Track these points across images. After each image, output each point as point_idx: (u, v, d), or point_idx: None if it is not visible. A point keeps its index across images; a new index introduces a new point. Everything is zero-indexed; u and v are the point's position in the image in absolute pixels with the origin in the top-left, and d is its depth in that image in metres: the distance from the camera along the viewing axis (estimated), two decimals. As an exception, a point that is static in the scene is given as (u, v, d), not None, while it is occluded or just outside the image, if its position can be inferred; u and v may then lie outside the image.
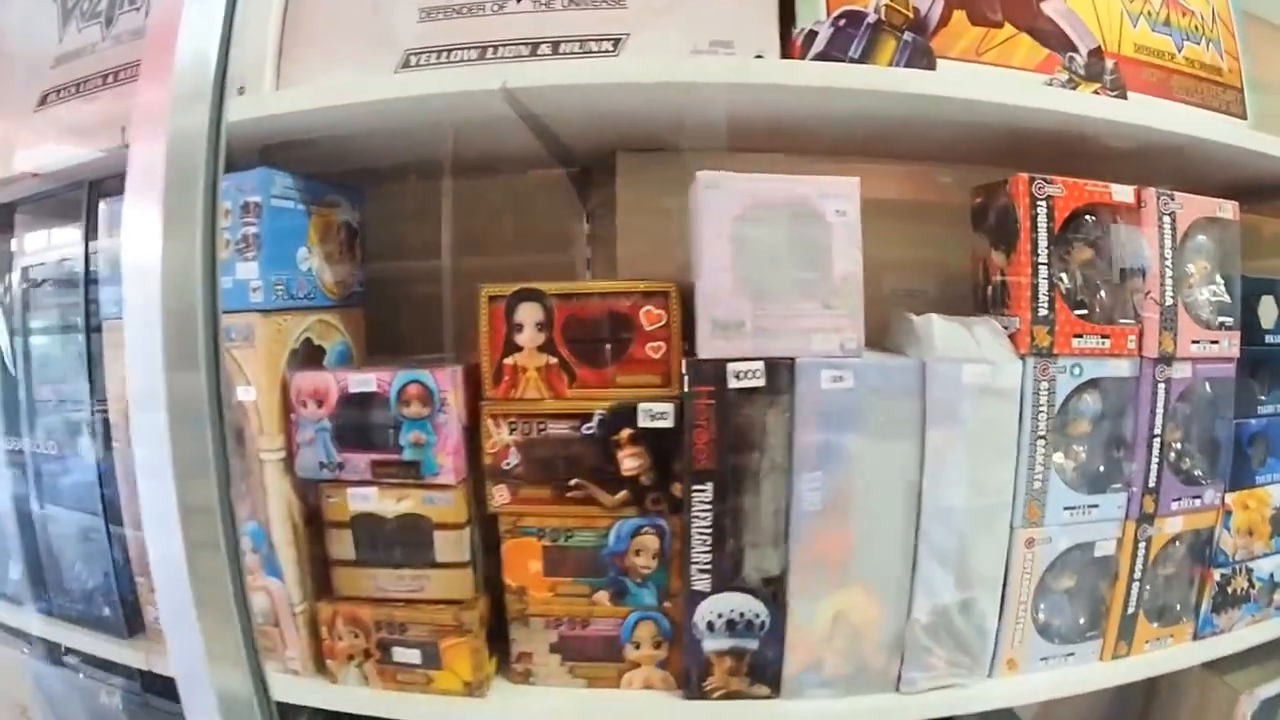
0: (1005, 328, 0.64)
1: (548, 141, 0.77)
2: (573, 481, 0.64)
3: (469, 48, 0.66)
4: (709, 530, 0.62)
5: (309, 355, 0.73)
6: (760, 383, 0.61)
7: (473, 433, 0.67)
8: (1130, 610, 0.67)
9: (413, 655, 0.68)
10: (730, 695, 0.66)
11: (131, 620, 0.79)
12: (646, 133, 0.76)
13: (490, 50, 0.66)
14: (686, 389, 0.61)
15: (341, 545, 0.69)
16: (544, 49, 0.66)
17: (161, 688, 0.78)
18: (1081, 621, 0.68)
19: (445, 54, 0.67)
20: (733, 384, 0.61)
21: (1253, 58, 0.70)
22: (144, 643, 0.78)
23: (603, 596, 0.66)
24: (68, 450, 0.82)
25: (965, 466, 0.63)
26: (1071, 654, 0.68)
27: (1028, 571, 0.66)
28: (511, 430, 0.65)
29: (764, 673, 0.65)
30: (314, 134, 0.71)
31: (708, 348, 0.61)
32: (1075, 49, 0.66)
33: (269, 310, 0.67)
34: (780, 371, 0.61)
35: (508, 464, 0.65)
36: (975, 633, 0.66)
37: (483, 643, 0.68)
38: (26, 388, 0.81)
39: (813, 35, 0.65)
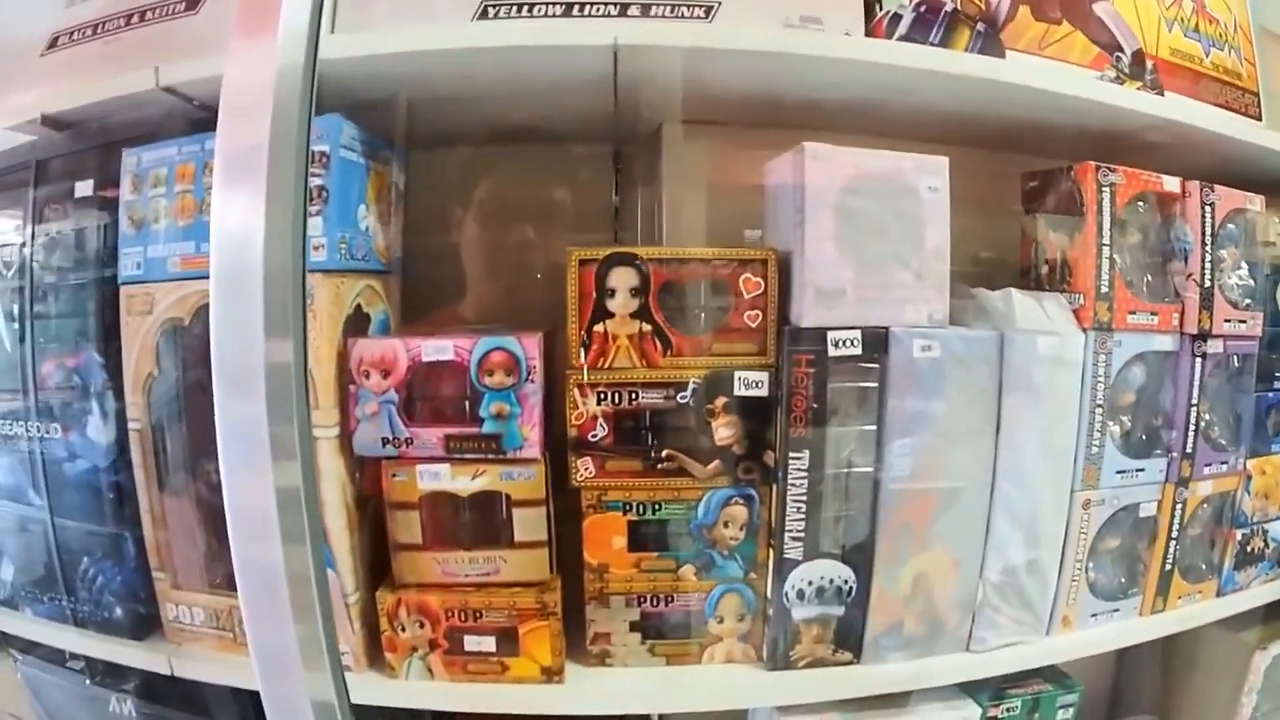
0: (1069, 304, 0.67)
1: (596, 111, 0.73)
2: (664, 453, 0.61)
3: (555, 3, 0.62)
4: (804, 498, 0.61)
5: (357, 324, 0.67)
6: (857, 351, 0.61)
7: (549, 404, 0.63)
8: (1167, 568, 0.72)
9: (486, 643, 0.63)
10: (814, 664, 0.65)
11: (145, 621, 0.69)
12: (708, 104, 0.73)
13: (578, 8, 0.62)
14: (786, 357, 0.60)
15: (407, 528, 0.62)
16: (634, 10, 0.63)
17: (177, 693, 0.69)
18: (1123, 580, 0.72)
19: (527, 8, 0.63)
20: (832, 352, 0.60)
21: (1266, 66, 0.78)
22: (161, 645, 0.68)
23: (688, 570, 0.64)
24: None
25: (1036, 432, 0.65)
26: (1116, 610, 0.71)
27: (1084, 532, 0.69)
28: (600, 400, 0.61)
29: (847, 638, 0.65)
30: (375, 84, 0.64)
31: (810, 315, 0.59)
32: (1122, 49, 0.70)
33: (331, 271, 0.60)
34: (876, 340, 0.61)
35: (594, 435, 0.61)
36: (1039, 591, 0.68)
37: (561, 625, 0.64)
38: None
39: (896, 19, 0.65)
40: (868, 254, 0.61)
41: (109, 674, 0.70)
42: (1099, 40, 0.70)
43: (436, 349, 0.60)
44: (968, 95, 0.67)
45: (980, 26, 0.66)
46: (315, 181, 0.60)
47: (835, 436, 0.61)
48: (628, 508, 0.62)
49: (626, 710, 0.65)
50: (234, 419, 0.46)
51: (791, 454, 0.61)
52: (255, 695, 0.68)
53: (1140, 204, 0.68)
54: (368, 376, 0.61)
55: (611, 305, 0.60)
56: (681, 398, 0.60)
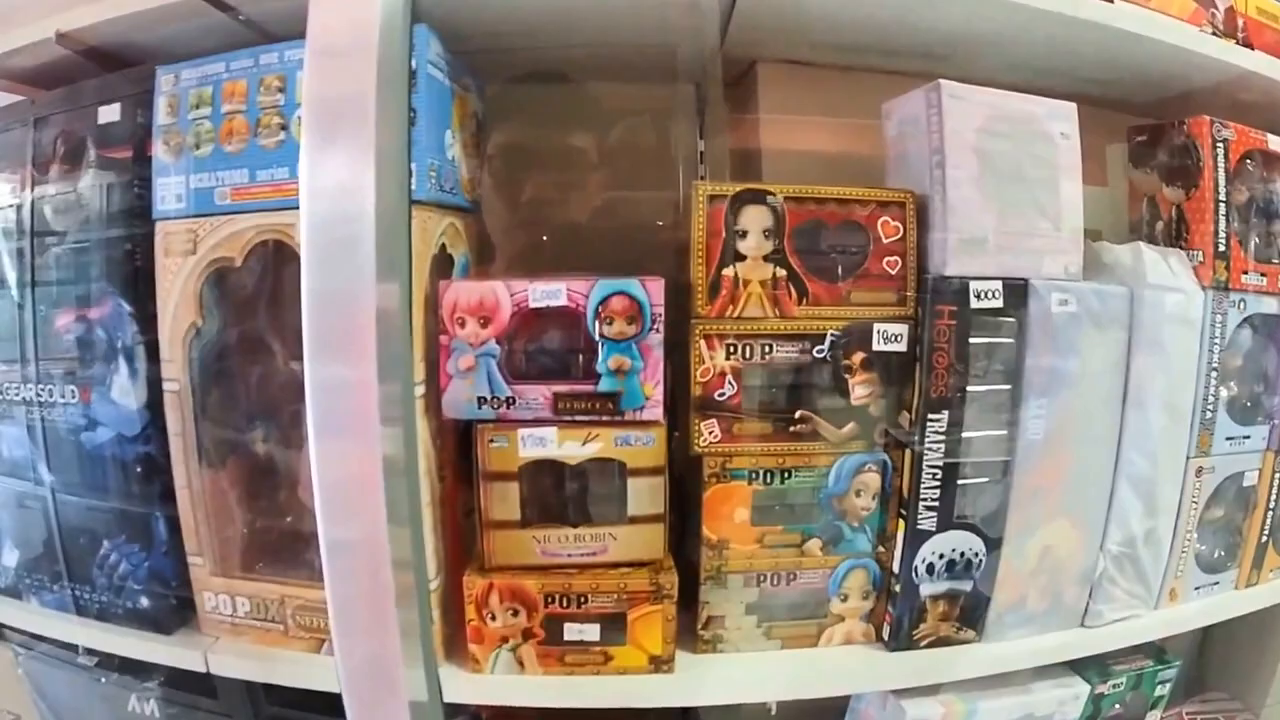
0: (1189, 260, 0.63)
1: (678, 47, 0.66)
2: (797, 414, 0.54)
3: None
4: (939, 464, 0.55)
5: (442, 265, 0.57)
6: (998, 304, 0.54)
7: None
8: (1263, 539, 0.69)
9: (590, 631, 0.54)
10: (937, 642, 0.59)
11: (175, 612, 0.57)
12: (805, 40, 0.66)
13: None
14: (928, 308, 0.54)
15: (504, 502, 0.53)
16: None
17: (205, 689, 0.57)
18: (1222, 552, 0.69)
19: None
20: (974, 304, 0.54)
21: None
22: (195, 639, 0.57)
23: (814, 545, 0.56)
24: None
25: (1161, 395, 0.60)
26: (1216, 583, 0.68)
27: (1195, 500, 0.64)
28: (729, 354, 0.53)
29: (972, 615, 0.58)
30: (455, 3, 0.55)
31: (953, 263, 0.53)
32: (1215, 5, 0.68)
33: (420, 202, 0.50)
34: (1016, 293, 0.55)
35: (721, 394, 0.53)
36: (1153, 563, 0.63)
37: (675, 609, 0.55)
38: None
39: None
40: (1007, 200, 0.55)
41: (125, 670, 0.58)
42: (1197, -4, 0.68)
43: (546, 293, 0.51)
44: (1075, 43, 0.63)
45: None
46: (405, 99, 0.50)
47: (974, 396, 0.55)
48: (754, 476, 0.54)
49: (742, 700, 0.57)
50: (331, 380, 0.37)
51: (930, 415, 0.54)
52: (297, 692, 0.58)
53: (1249, 162, 0.65)
54: (463, 325, 0.52)
55: (743, 247, 0.52)
56: (818, 352, 0.53)
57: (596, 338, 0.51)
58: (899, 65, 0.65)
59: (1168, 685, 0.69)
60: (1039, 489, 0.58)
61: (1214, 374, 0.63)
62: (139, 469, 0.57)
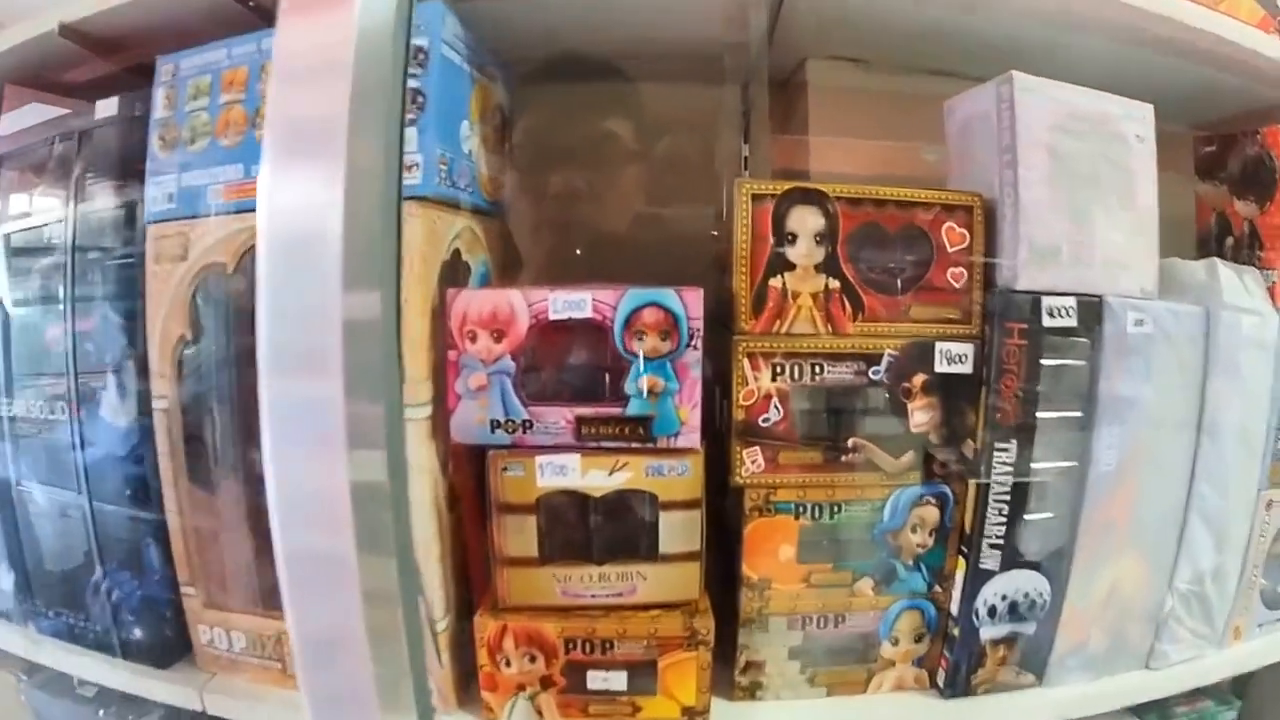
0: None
1: (720, 42, 0.60)
2: (850, 442, 0.49)
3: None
4: (1006, 497, 0.50)
5: (454, 274, 0.51)
6: (1072, 322, 0.49)
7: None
8: (1330, 571, 0.64)
9: (616, 679, 0.48)
10: (996, 688, 0.53)
11: (172, 644, 0.52)
12: (858, 36, 0.61)
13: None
14: (996, 326, 0.48)
15: (520, 537, 0.47)
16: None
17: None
18: (1284, 586, 0.64)
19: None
20: (1046, 322, 0.49)
21: None
22: (191, 674, 0.51)
23: (865, 585, 0.51)
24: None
25: (1236, 422, 0.55)
26: (1279, 619, 0.63)
27: (1263, 535, 0.59)
28: (776, 374, 0.47)
29: (1033, 659, 0.53)
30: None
31: (1024, 276, 0.48)
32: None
33: (427, 199, 0.45)
34: (1090, 310, 0.50)
35: (765, 419, 0.48)
36: (1220, 600, 0.58)
37: (711, 655, 0.49)
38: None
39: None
40: (1080, 207, 0.49)
41: (126, 702, 0.52)
42: (1263, 1, 0.63)
43: (569, 303, 0.45)
44: (1144, 43, 0.58)
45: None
46: (411, 83, 0.44)
47: (1044, 424, 0.50)
48: (801, 510, 0.49)
49: (782, 754, 0.52)
50: (287, 397, 0.31)
51: (997, 444, 0.48)
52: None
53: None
54: (474, 339, 0.46)
55: (792, 254, 0.46)
56: (874, 373, 0.47)
57: (625, 354, 0.45)
58: (955, 67, 0.60)
59: (1228, 727, 0.65)
60: (1108, 523, 0.53)
61: (1288, 400, 0.58)
62: (129, 491, 0.51)
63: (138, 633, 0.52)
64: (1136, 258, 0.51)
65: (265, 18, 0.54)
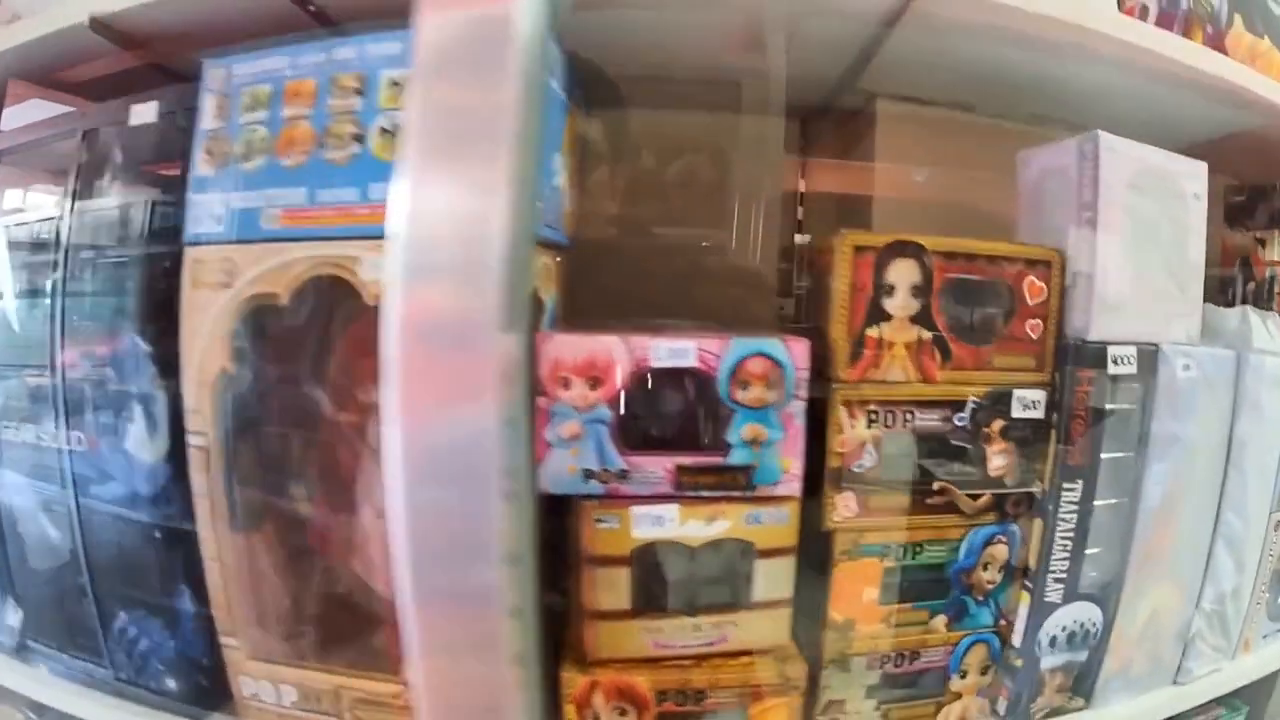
0: (1282, 323, 0.62)
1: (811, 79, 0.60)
2: (936, 485, 0.49)
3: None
4: (1071, 534, 0.52)
5: (531, 310, 0.49)
6: (1132, 370, 0.51)
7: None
8: (1318, 585, 0.70)
9: (709, 727, 0.48)
10: (1051, 714, 0.56)
11: (207, 692, 0.47)
12: (926, 78, 0.61)
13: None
14: (1068, 374, 0.50)
15: (611, 590, 0.45)
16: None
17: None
18: (1282, 599, 0.70)
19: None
20: (1111, 369, 0.51)
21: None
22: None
23: (939, 622, 0.51)
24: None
25: (1261, 456, 0.59)
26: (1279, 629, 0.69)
27: (1271, 553, 0.64)
28: (871, 422, 0.48)
29: (1083, 684, 0.55)
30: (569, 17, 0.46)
31: (1096, 328, 0.50)
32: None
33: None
34: (1147, 358, 0.52)
35: (859, 465, 0.48)
36: (1236, 616, 0.63)
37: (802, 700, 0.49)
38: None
39: (1145, 9, 0.57)
40: (1143, 261, 0.52)
41: None
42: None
43: (673, 351, 0.43)
44: (1190, 98, 0.61)
45: (1209, 28, 0.59)
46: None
47: (1105, 464, 0.52)
48: (885, 551, 0.49)
49: (859, 789, 0.52)
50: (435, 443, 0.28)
51: (1065, 485, 0.50)
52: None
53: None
54: (567, 385, 0.44)
55: (889, 305, 0.47)
56: (959, 419, 0.48)
57: (729, 404, 0.44)
58: (1007, 110, 0.62)
59: (1233, 729, 0.70)
60: (1153, 553, 0.56)
61: (1297, 433, 0.63)
62: (158, 534, 0.46)
63: (169, 681, 0.47)
64: (1186, 307, 0.55)
65: (325, 23, 0.50)
